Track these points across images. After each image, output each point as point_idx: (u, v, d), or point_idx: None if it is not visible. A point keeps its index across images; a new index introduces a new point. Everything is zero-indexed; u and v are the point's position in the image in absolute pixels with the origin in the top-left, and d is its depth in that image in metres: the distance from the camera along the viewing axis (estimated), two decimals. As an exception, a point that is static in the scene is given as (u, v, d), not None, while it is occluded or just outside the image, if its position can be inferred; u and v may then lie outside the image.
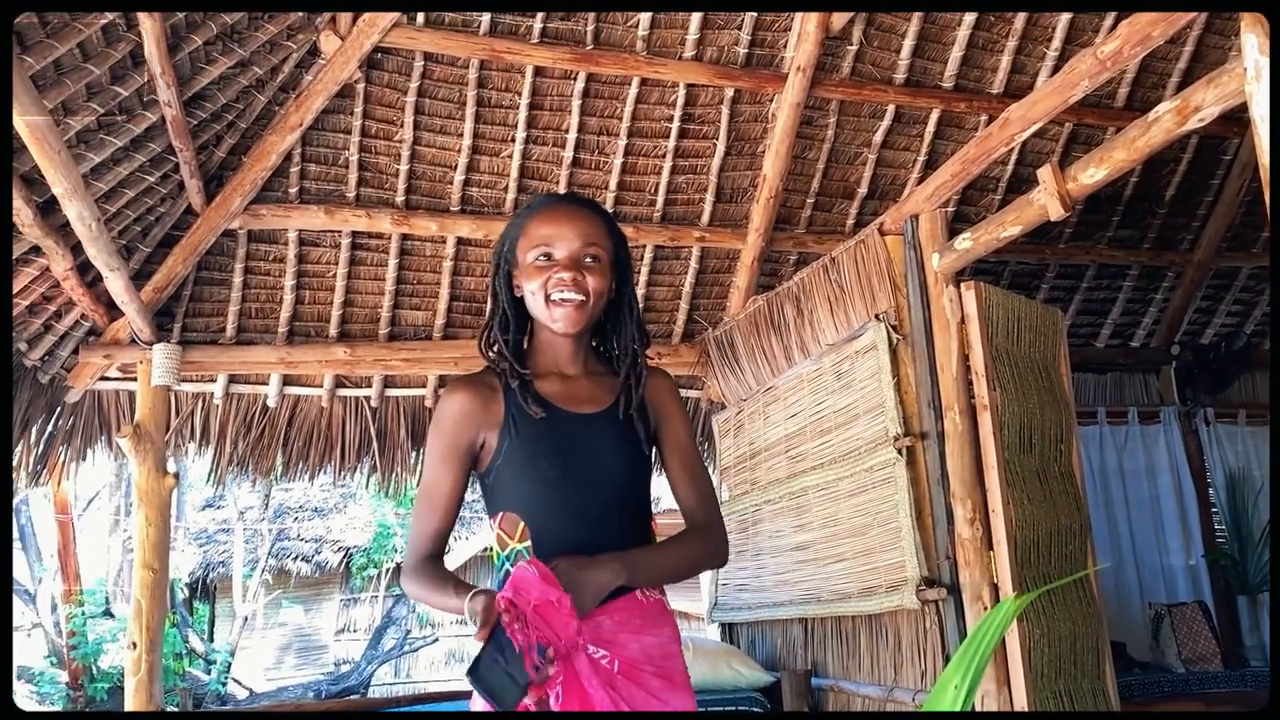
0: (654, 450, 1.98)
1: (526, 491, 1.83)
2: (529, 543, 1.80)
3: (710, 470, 5.55)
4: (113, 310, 4.36)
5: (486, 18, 4.28)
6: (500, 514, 1.84)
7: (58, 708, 10.10)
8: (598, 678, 1.68)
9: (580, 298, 1.82)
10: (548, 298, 1.82)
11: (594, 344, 1.98)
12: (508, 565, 1.81)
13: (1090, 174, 2.93)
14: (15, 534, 11.52)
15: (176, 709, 8.85)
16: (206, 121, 3.99)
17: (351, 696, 10.05)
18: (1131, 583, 5.71)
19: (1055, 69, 4.72)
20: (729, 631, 5.13)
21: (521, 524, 1.81)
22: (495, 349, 1.91)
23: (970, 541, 3.35)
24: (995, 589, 3.27)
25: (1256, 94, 2.30)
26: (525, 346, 1.94)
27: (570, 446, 1.83)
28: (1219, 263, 5.99)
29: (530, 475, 1.83)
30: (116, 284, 3.97)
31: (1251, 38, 2.29)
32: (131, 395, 4.68)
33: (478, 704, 1.78)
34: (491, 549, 1.89)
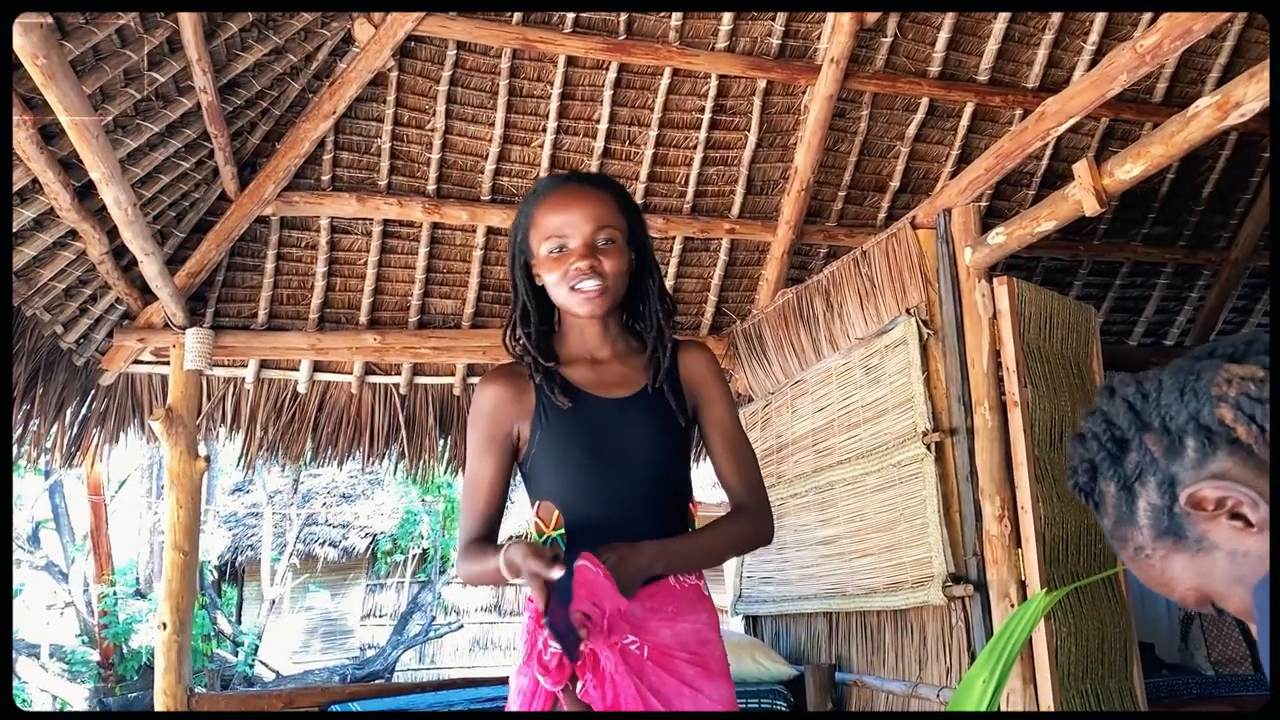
0: (696, 428, 1.94)
1: (560, 480, 1.83)
2: (563, 530, 1.80)
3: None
4: (147, 294, 4.41)
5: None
6: (538, 503, 1.85)
7: (89, 685, 10.24)
8: (626, 666, 1.66)
9: (600, 283, 1.79)
10: (569, 288, 1.80)
11: (627, 320, 1.95)
12: None
13: (1127, 169, 2.89)
14: (49, 514, 11.69)
15: (204, 689, 8.94)
16: (241, 108, 4.02)
17: (376, 681, 10.13)
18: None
19: (1092, 63, 4.67)
20: (753, 624, 5.13)
21: (556, 512, 1.81)
22: (520, 343, 1.89)
23: (998, 538, 3.32)
24: (1023, 586, 3.25)
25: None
26: (555, 332, 1.93)
27: (601, 433, 1.82)
28: (1256, 261, 5.91)
29: (563, 464, 1.83)
30: (151, 268, 4.01)
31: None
32: (164, 379, 4.74)
33: (512, 702, 1.79)
34: (528, 534, 1.89)
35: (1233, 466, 0.89)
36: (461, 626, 13.65)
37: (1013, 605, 3.25)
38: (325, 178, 4.55)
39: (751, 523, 1.89)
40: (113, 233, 3.74)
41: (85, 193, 3.47)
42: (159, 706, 4.24)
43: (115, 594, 10.73)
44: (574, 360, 1.88)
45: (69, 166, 3.31)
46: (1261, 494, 0.87)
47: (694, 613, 1.80)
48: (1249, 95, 2.48)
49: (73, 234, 3.71)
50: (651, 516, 1.81)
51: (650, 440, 1.84)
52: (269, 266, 4.70)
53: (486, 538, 1.85)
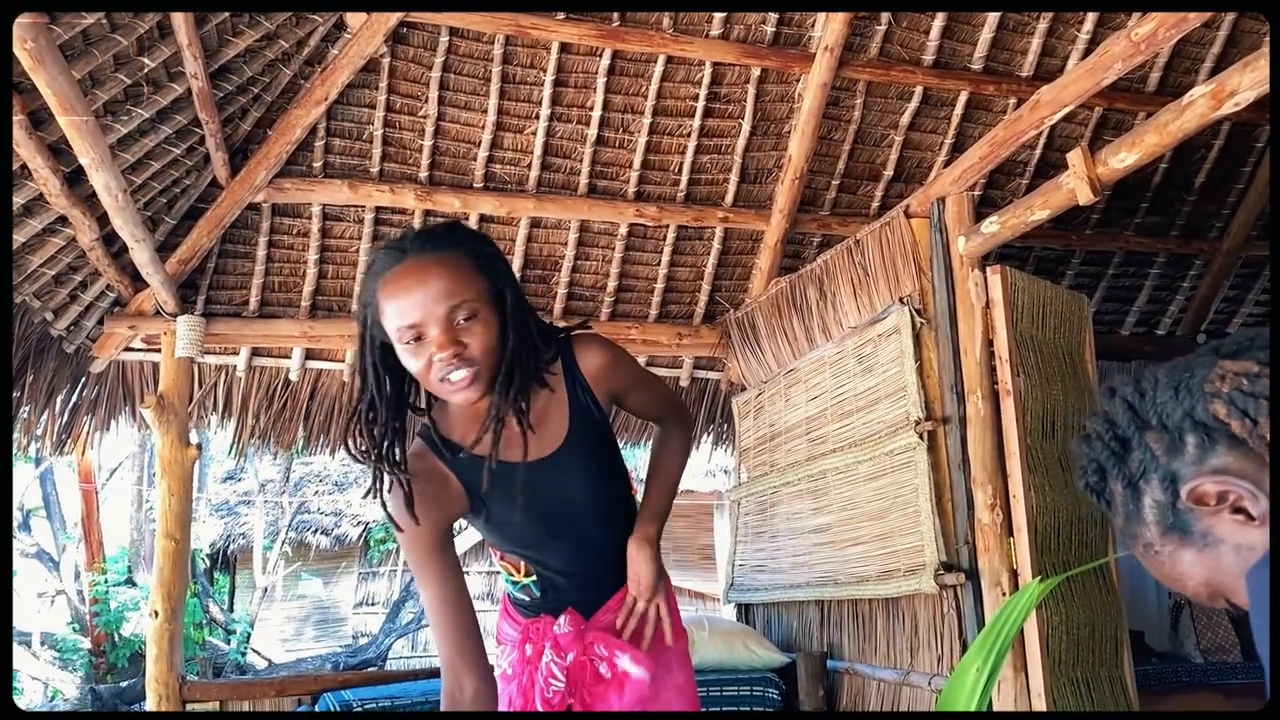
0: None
1: (514, 545, 1.84)
2: (534, 577, 1.86)
3: (729, 453, 5.55)
4: (138, 281, 4.38)
5: (513, -7, 4.26)
6: (500, 552, 1.88)
7: (80, 673, 10.23)
8: (601, 679, 1.85)
9: (470, 370, 1.56)
10: (438, 380, 1.57)
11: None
12: (515, 591, 1.91)
13: (1121, 158, 2.89)
14: (40, 502, 11.66)
15: (197, 677, 8.94)
16: (232, 94, 4.00)
17: (369, 669, 10.14)
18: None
19: (1086, 52, 4.66)
20: (745, 612, 5.14)
21: (523, 563, 1.85)
22: (365, 444, 1.64)
23: (990, 527, 3.33)
24: (1014, 575, 3.26)
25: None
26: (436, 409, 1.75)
27: (542, 503, 1.74)
28: (1248, 251, 5.92)
29: (512, 536, 1.81)
30: (142, 255, 3.99)
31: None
32: (155, 366, 4.72)
33: (510, 702, 1.83)
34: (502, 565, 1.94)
35: (1233, 461, 0.90)
36: (454, 614, 13.64)
37: (1004, 594, 3.26)
38: (317, 164, 4.53)
39: (677, 438, 1.99)
40: (103, 219, 3.71)
41: (75, 178, 3.44)
42: (150, 694, 4.24)
43: (106, 582, 10.71)
44: (476, 436, 1.67)
45: (58, 152, 3.28)
46: (1261, 487, 0.87)
47: None
48: (1243, 84, 2.48)
49: (63, 220, 3.69)
50: (604, 544, 1.85)
51: (589, 484, 1.79)
52: (260, 254, 4.67)
53: (472, 675, 1.66)
